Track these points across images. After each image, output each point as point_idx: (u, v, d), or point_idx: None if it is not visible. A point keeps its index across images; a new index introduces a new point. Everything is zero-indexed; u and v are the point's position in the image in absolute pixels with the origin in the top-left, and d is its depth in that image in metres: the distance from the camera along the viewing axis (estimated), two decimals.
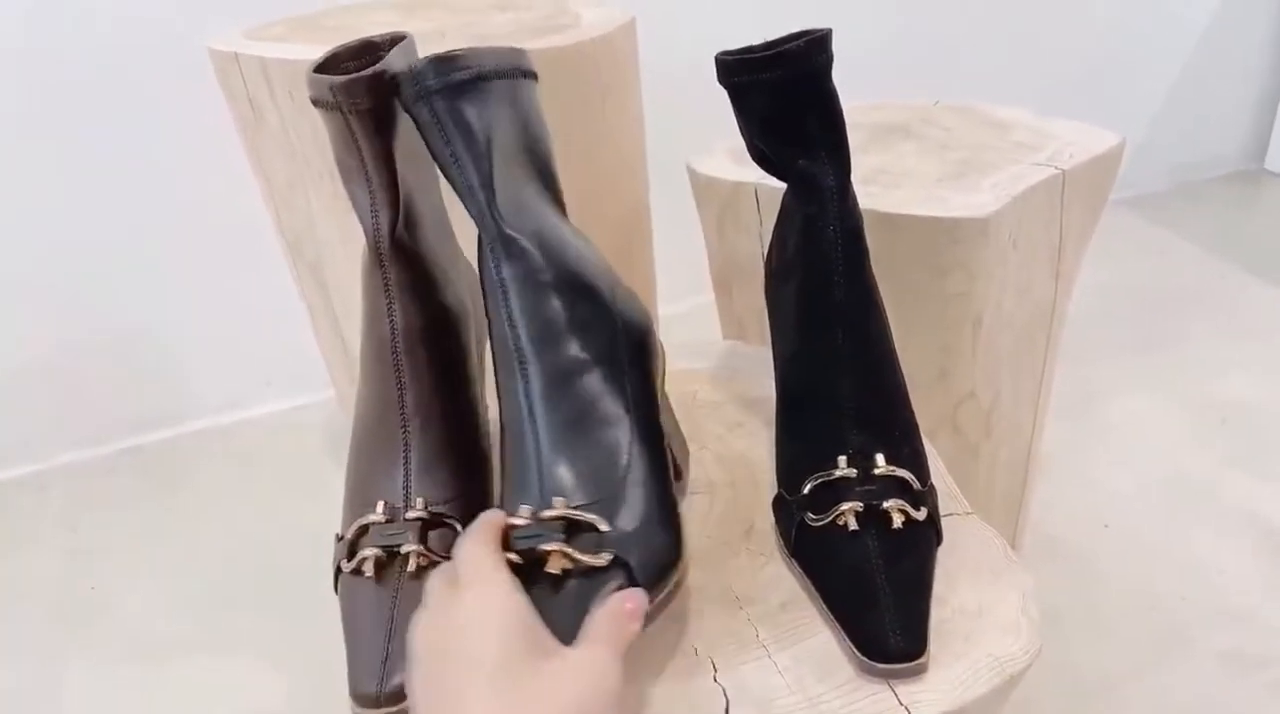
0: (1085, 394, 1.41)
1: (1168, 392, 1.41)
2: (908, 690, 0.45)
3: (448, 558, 0.49)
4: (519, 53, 0.50)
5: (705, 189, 0.84)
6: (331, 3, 1.03)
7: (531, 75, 0.51)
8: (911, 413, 0.56)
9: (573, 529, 0.45)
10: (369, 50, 0.52)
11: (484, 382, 0.61)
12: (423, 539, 0.50)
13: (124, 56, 1.26)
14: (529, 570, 0.44)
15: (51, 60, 1.24)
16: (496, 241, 0.48)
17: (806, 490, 0.52)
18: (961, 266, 0.72)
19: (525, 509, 0.46)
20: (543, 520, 0.45)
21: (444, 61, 0.45)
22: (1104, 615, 1.05)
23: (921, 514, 0.50)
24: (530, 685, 0.37)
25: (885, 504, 0.50)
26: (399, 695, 0.45)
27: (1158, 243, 1.86)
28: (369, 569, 0.49)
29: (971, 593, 0.51)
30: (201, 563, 1.23)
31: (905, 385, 0.56)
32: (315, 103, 0.49)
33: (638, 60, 0.91)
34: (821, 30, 0.51)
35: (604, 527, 0.45)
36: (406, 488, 0.52)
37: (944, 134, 0.87)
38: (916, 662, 0.45)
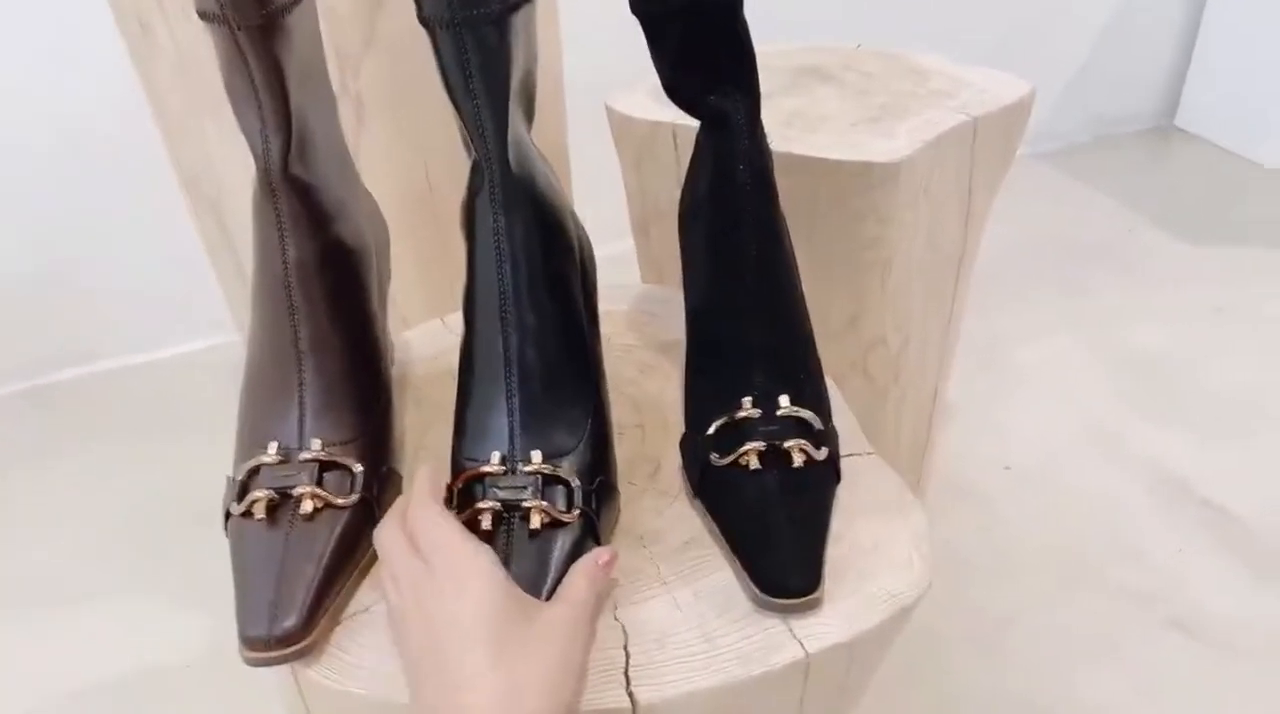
0: (994, 341, 1.44)
1: (1074, 339, 1.45)
2: (802, 624, 0.46)
3: (342, 503, 0.48)
4: None
5: (623, 128, 0.83)
6: None
7: None
8: (816, 355, 0.56)
9: (545, 485, 0.47)
10: None
11: (386, 319, 0.59)
12: (318, 481, 0.49)
13: None
14: (501, 520, 0.46)
15: None
16: (499, 190, 0.48)
17: (712, 431, 0.52)
18: (874, 211, 0.73)
19: (496, 455, 0.48)
20: (523, 473, 0.47)
21: None
22: (1006, 556, 1.09)
23: (822, 454, 0.51)
24: (522, 648, 0.39)
25: (787, 444, 0.50)
26: (288, 639, 0.44)
27: (1072, 195, 1.91)
28: (259, 511, 0.47)
29: (867, 530, 0.52)
30: (109, 506, 1.19)
31: (811, 328, 0.56)
32: (202, 15, 0.46)
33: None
34: None
35: (575, 483, 0.48)
36: (301, 428, 0.50)
37: (864, 79, 0.87)
38: (810, 596, 0.46)
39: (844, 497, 0.54)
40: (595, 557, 0.46)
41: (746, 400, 0.52)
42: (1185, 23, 2.07)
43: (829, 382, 0.60)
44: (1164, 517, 1.13)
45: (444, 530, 0.43)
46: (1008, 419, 1.30)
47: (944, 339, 0.94)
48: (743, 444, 0.50)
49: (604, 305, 0.76)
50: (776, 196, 0.55)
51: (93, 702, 0.97)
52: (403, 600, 0.43)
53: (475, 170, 0.49)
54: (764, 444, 0.50)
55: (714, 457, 0.51)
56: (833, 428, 0.54)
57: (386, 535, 0.45)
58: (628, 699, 0.43)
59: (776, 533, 0.47)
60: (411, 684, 0.42)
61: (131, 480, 1.23)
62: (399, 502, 0.48)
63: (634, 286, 0.81)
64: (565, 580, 0.45)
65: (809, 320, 0.56)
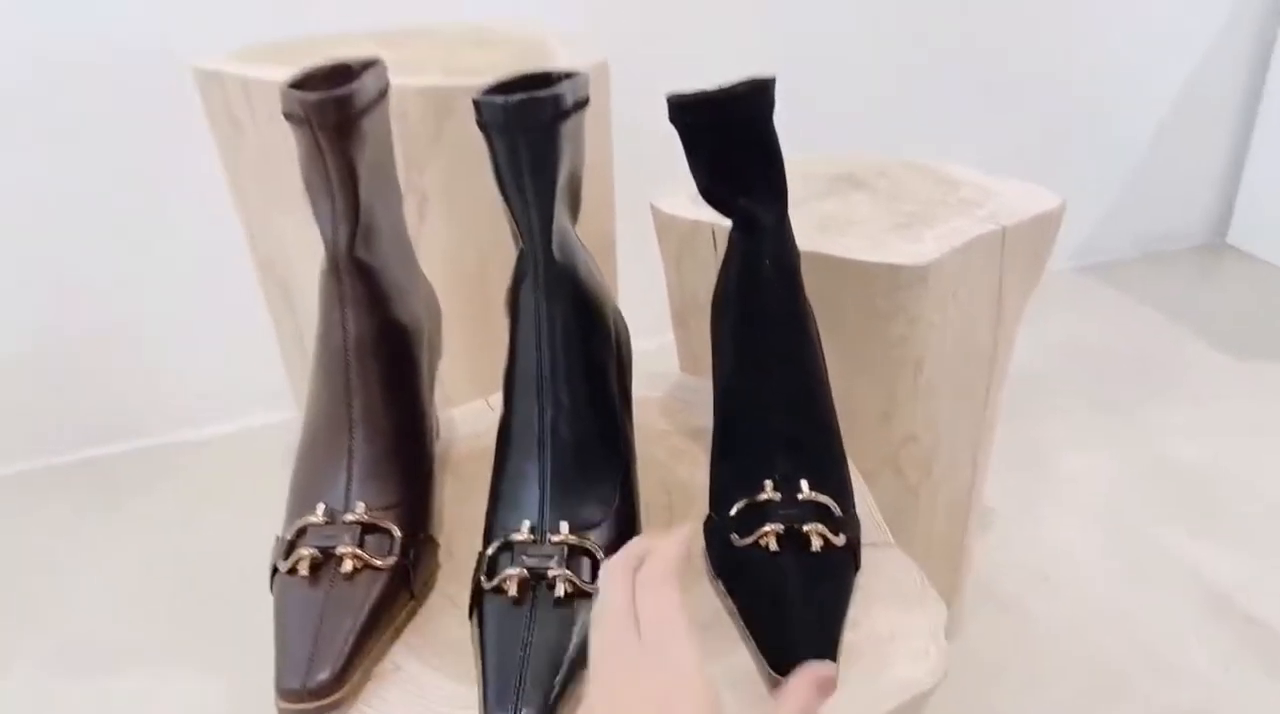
0: (1035, 449, 1.44)
1: (1117, 450, 1.44)
2: None
3: (380, 565, 0.51)
4: (586, 80, 0.53)
5: (666, 227, 0.88)
6: (316, 31, 1.07)
7: (587, 103, 0.54)
8: (840, 445, 0.58)
9: (571, 555, 0.50)
10: (342, 72, 0.55)
11: (433, 395, 0.63)
12: (360, 543, 0.52)
13: (116, 74, 1.29)
14: (528, 587, 0.49)
15: (46, 68, 1.27)
16: (542, 275, 0.52)
17: (733, 512, 0.54)
18: (903, 311, 0.76)
19: (526, 525, 0.51)
20: (551, 543, 0.50)
21: (540, 103, 0.47)
22: (1041, 667, 1.07)
23: (841, 540, 0.53)
24: None
25: (805, 527, 0.52)
26: (321, 691, 0.47)
27: (1119, 308, 1.91)
28: (303, 569, 0.50)
29: (885, 619, 0.53)
30: (153, 576, 1.23)
31: (835, 418, 0.59)
32: (287, 117, 0.52)
33: (609, 100, 0.94)
34: (765, 78, 0.54)
35: (600, 555, 0.50)
36: (348, 492, 0.53)
37: (895, 187, 0.91)
38: None
39: (863, 584, 0.56)
40: (817, 675, 0.40)
41: (768, 484, 0.54)
42: (1235, 140, 2.10)
43: (853, 472, 0.62)
44: (1206, 633, 1.10)
45: (675, 616, 0.39)
46: (1047, 528, 1.29)
47: (978, 440, 0.95)
48: (762, 525, 0.52)
49: (641, 392, 0.79)
50: (802, 292, 0.58)
51: None
52: (613, 680, 0.39)
53: (521, 259, 0.53)
54: (783, 526, 0.52)
55: (734, 537, 0.53)
56: (854, 515, 0.56)
57: (614, 582, 0.41)
58: None
59: (791, 614, 0.49)
60: None
61: (180, 549, 1.27)
62: (636, 545, 0.43)
63: (670, 375, 0.84)
64: (782, 692, 0.40)
65: (833, 411, 0.59)
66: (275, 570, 0.52)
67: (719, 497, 0.57)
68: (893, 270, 0.73)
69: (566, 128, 0.50)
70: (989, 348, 0.87)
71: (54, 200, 1.35)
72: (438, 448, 0.71)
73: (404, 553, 0.52)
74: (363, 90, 0.52)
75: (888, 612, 0.54)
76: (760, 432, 0.56)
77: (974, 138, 1.78)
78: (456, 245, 0.86)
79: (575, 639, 0.48)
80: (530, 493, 0.52)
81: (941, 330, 0.80)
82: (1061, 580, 1.19)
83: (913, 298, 0.75)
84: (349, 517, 0.52)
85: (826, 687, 0.40)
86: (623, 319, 0.62)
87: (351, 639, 0.49)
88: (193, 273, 1.43)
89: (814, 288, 0.72)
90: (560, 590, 0.48)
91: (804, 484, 0.54)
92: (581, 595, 0.49)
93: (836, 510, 0.54)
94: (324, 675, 0.47)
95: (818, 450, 0.56)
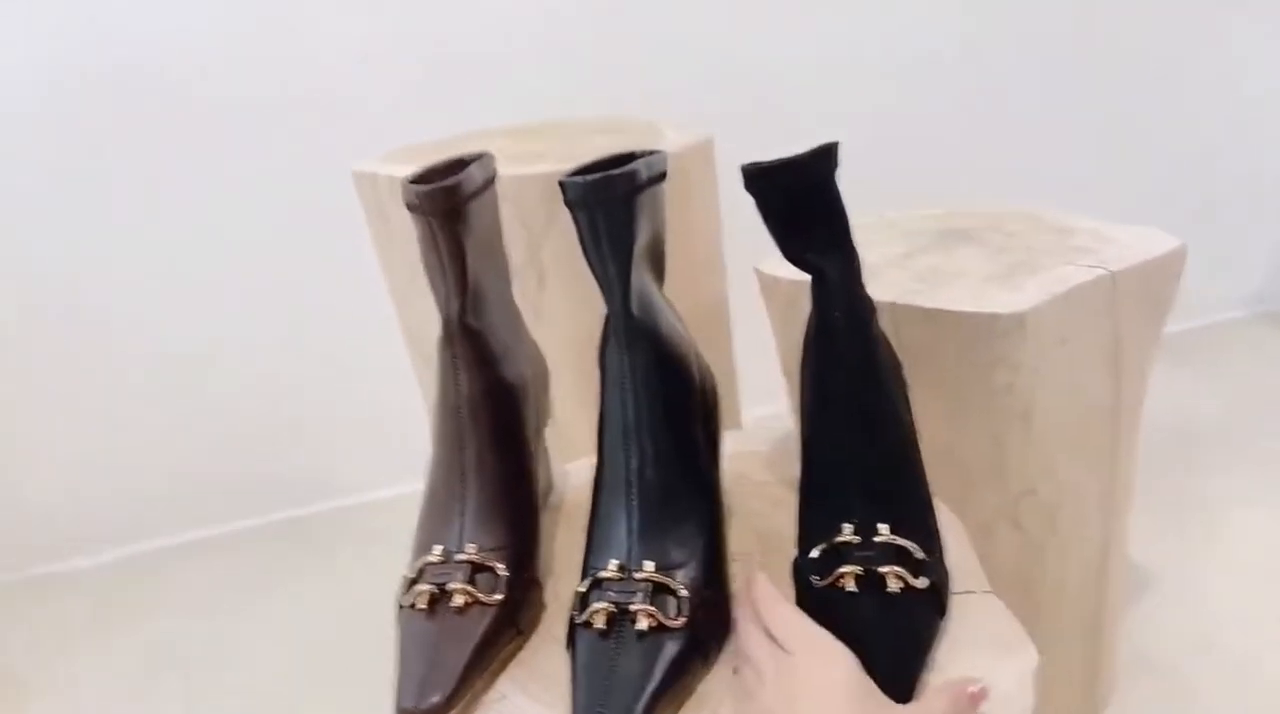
0: (1202, 505, 1.34)
1: None
2: None
3: (487, 600, 0.56)
4: (664, 158, 0.59)
5: (770, 288, 0.91)
6: (460, 130, 1.19)
7: (665, 176, 0.60)
8: (924, 490, 0.60)
9: (655, 591, 0.53)
10: (458, 166, 0.64)
11: (540, 446, 0.69)
12: (470, 580, 0.57)
13: (295, 180, 1.47)
14: (614, 622, 0.53)
15: (228, 178, 1.46)
16: (623, 331, 0.58)
17: (815, 554, 0.56)
18: (1004, 361, 0.75)
19: (614, 563, 0.55)
20: (636, 580, 0.54)
21: (614, 180, 0.53)
22: None
23: (922, 583, 0.54)
24: None
25: (883, 569, 0.53)
26: (433, 711, 0.52)
27: None
28: (421, 603, 0.56)
29: (972, 664, 0.53)
30: (327, 628, 1.34)
31: (918, 466, 0.60)
32: (407, 207, 0.60)
33: (715, 173, 1.00)
34: (829, 143, 0.58)
35: (683, 593, 0.54)
36: (461, 534, 0.59)
37: (1005, 238, 0.91)
38: None
39: (953, 631, 0.56)
40: (968, 683, 0.48)
41: (847, 527, 0.56)
42: None
43: (952, 521, 0.63)
44: None
45: (804, 623, 0.50)
46: (1212, 591, 1.19)
47: (1109, 495, 0.91)
48: (840, 566, 0.54)
49: (747, 446, 0.82)
50: (875, 342, 0.60)
51: None
52: (763, 687, 0.48)
53: (607, 320, 0.59)
54: (860, 569, 0.53)
55: (814, 579, 0.55)
56: (940, 561, 0.57)
57: (746, 631, 0.52)
58: None
59: (866, 650, 0.50)
60: None
61: (349, 606, 1.38)
62: (743, 611, 0.54)
63: (777, 429, 0.87)
64: (933, 689, 0.49)
65: (917, 459, 0.60)
66: (400, 606, 0.58)
67: (803, 539, 0.59)
68: (989, 319, 0.73)
69: (642, 200, 0.55)
70: (1110, 399, 0.84)
71: (251, 301, 1.53)
72: (551, 499, 0.76)
73: (510, 590, 0.57)
74: (468, 180, 0.59)
75: (976, 657, 0.54)
76: (839, 477, 0.58)
77: (1129, 187, 1.73)
78: (573, 312, 0.92)
79: (658, 670, 0.51)
80: (619, 534, 0.56)
81: (1050, 380, 0.79)
82: (1227, 648, 1.10)
83: (1012, 347, 0.74)
84: (460, 556, 0.58)
85: (979, 697, 0.47)
86: (709, 370, 0.66)
87: (461, 667, 0.54)
88: (358, 355, 1.58)
89: (914, 341, 0.74)
90: (643, 624, 0.52)
91: (882, 527, 0.55)
92: (664, 630, 0.52)
93: (918, 554, 0.55)
94: (435, 698, 0.52)
95: (897, 495, 0.58)
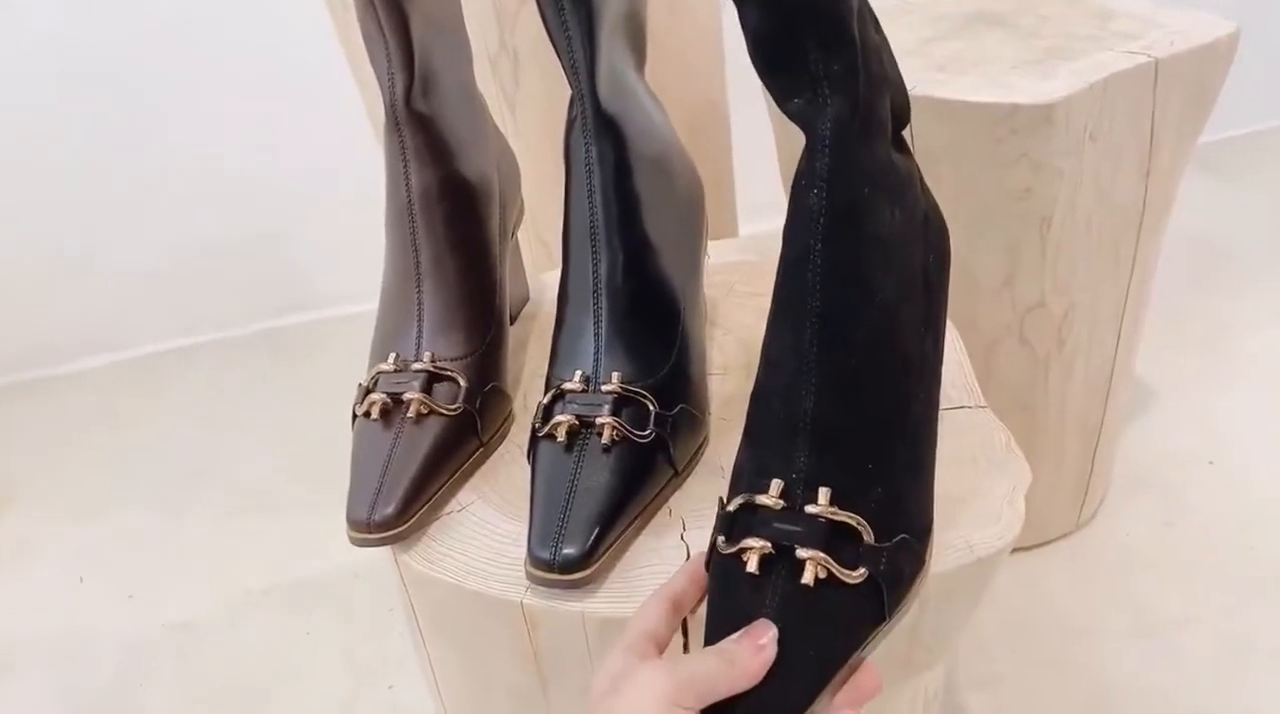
0: (1221, 326, 1.29)
1: None
2: None
3: (446, 411, 0.53)
4: None
5: None
6: None
7: None
8: (912, 444, 0.44)
9: (620, 404, 0.49)
10: None
11: (508, 250, 0.63)
12: (427, 390, 0.53)
13: None
14: (577, 435, 0.49)
15: None
16: (590, 121, 0.50)
17: (732, 507, 0.42)
18: (1025, 158, 0.68)
19: (579, 375, 0.50)
20: (601, 392, 0.50)
21: None
22: (1190, 556, 0.98)
23: (856, 576, 0.39)
24: None
25: (801, 552, 0.39)
26: (385, 524, 0.49)
27: None
28: (374, 412, 0.53)
29: (959, 481, 0.50)
30: (320, 434, 1.34)
31: (920, 411, 0.44)
32: None
33: None
34: None
35: (652, 407, 0.49)
36: (418, 342, 0.55)
37: (1038, 22, 0.81)
38: None
39: (942, 449, 0.52)
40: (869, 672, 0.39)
41: (776, 483, 0.41)
42: None
43: (951, 331, 0.57)
44: None
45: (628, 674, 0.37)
46: (1219, 412, 1.16)
47: (1124, 309, 0.86)
48: (746, 537, 0.40)
49: (739, 256, 0.77)
50: (869, 233, 0.43)
51: (274, 597, 1.10)
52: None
53: (572, 104, 0.52)
54: (769, 545, 0.40)
55: (720, 540, 0.42)
56: (902, 548, 0.41)
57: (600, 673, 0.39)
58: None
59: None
60: None
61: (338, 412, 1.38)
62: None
63: (771, 240, 0.81)
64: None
65: (918, 402, 0.44)
66: (354, 415, 0.55)
67: (732, 482, 0.45)
68: (1012, 110, 0.65)
69: None
70: (1136, 203, 0.77)
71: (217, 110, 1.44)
72: (527, 308, 0.72)
73: (468, 400, 0.54)
74: None
75: (964, 474, 0.51)
76: (788, 412, 0.42)
77: None
78: (551, 102, 0.84)
79: (620, 483, 0.48)
80: (585, 344, 0.51)
81: (1075, 181, 0.71)
82: (1228, 468, 1.08)
83: (1037, 142, 0.67)
84: (417, 366, 0.54)
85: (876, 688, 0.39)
86: (694, 171, 0.59)
87: (415, 478, 0.51)
88: (341, 167, 1.50)
89: (928, 138, 0.66)
90: (606, 437, 0.48)
91: (822, 494, 0.40)
92: (628, 442, 0.49)
93: (868, 535, 0.40)
94: (389, 510, 0.50)
95: (862, 450, 0.42)
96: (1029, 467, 0.51)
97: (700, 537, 0.48)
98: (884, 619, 0.40)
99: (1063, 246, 0.75)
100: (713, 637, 0.39)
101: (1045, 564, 0.98)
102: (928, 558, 0.43)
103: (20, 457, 1.36)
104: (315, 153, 1.51)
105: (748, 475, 0.43)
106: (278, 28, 1.39)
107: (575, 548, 0.46)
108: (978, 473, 0.51)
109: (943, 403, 0.55)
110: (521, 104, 0.84)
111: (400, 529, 0.50)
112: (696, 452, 0.54)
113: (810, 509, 0.40)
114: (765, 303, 0.68)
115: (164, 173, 1.50)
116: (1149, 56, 0.70)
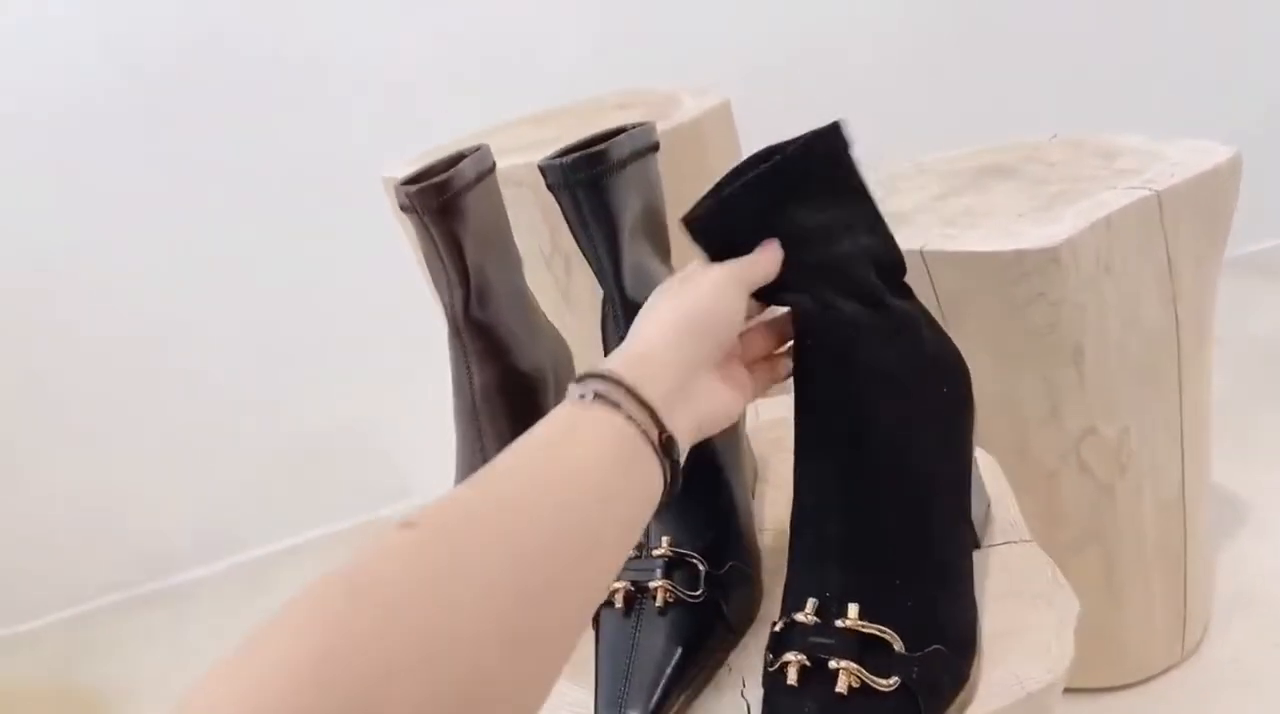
0: None
1: None
2: None
3: None
4: (649, 129, 0.58)
5: None
6: (487, 125, 1.20)
7: (656, 148, 0.58)
8: (935, 560, 0.47)
9: (671, 566, 0.52)
10: (455, 161, 0.64)
11: None
12: None
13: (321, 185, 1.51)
14: (634, 600, 0.52)
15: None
16: (620, 308, 0.57)
17: (778, 627, 0.47)
18: (1041, 297, 0.72)
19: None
20: (652, 557, 0.53)
21: (590, 159, 0.51)
22: None
23: (889, 683, 0.42)
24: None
25: (835, 664, 0.43)
26: None
27: None
28: None
29: (1006, 616, 0.51)
30: None
31: (933, 526, 0.48)
32: (401, 208, 0.61)
33: (734, 135, 0.98)
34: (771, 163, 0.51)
35: (702, 567, 0.52)
36: None
37: (1045, 169, 0.87)
38: None
39: (988, 584, 0.54)
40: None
41: (812, 602, 0.45)
42: None
43: (990, 467, 0.60)
44: None
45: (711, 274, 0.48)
46: None
47: (1181, 429, 0.86)
48: (786, 652, 0.44)
49: (787, 412, 0.81)
50: (867, 368, 0.48)
51: None
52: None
53: (605, 301, 0.58)
54: (805, 658, 0.44)
55: (769, 657, 0.46)
56: (938, 656, 0.44)
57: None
58: None
59: None
60: None
61: None
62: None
63: None
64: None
65: (931, 517, 0.48)
66: None
67: (781, 607, 0.48)
68: (1017, 256, 0.70)
69: (627, 175, 0.55)
70: (1168, 327, 0.79)
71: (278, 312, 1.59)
72: None
73: None
74: (459, 175, 0.59)
75: (1010, 608, 0.52)
76: (816, 536, 0.47)
77: (1187, 96, 1.62)
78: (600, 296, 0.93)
79: (677, 645, 0.51)
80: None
81: (1099, 313, 0.74)
82: None
83: (1050, 281, 0.71)
84: None
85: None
86: None
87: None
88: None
89: (950, 288, 0.71)
90: (660, 600, 0.52)
91: (851, 609, 0.44)
92: (682, 604, 0.52)
93: (898, 645, 0.43)
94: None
95: (887, 566, 0.46)
96: (1076, 600, 0.52)
97: (760, 692, 0.50)
98: None
99: (1100, 374, 0.77)
100: None
101: (1154, 700, 0.94)
102: (970, 673, 0.45)
103: (147, 669, 1.43)
104: (398, 353, 1.64)
105: (790, 598, 0.47)
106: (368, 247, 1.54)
107: (639, 711, 0.48)
108: (1023, 607, 0.52)
109: (986, 540, 0.57)
110: (574, 293, 0.92)
111: None
112: (751, 607, 0.56)
113: (841, 623, 0.44)
114: None
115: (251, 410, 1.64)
116: (1150, 190, 0.74)
